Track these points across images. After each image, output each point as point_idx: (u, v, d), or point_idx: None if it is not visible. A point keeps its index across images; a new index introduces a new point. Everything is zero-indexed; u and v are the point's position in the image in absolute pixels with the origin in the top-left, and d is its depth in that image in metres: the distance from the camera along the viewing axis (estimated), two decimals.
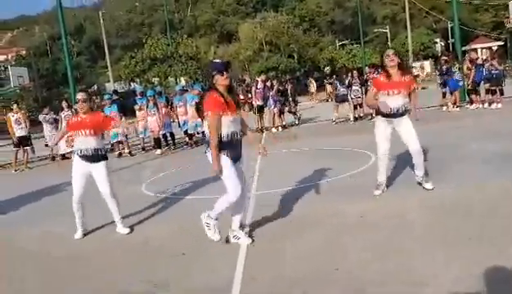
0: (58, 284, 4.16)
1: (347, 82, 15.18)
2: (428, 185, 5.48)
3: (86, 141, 5.27)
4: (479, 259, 3.48)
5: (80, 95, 5.41)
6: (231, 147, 4.21)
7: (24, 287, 4.20)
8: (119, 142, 13.35)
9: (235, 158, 4.28)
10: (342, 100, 15.00)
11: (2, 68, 45.95)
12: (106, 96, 14.09)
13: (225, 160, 4.19)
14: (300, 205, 5.58)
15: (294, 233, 4.66)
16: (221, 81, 4.10)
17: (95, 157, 5.30)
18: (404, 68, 5.36)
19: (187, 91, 13.75)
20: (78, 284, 4.09)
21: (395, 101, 5.22)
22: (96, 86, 44.69)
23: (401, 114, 5.31)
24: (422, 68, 35.87)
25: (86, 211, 5.52)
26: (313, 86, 33.01)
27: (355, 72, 15.82)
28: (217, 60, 4.33)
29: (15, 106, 13.93)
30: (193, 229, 5.24)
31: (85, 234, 5.48)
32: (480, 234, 4.00)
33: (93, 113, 5.53)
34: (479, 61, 14.87)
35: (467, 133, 9.55)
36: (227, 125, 4.15)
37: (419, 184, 5.57)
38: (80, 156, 5.32)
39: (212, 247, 4.54)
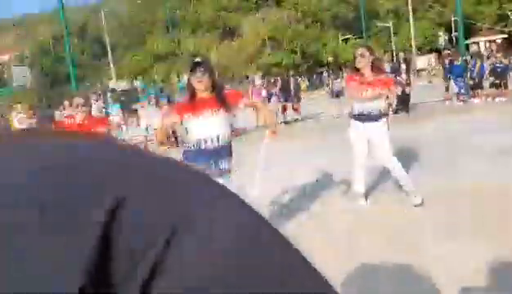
0: None
1: None
2: (414, 200, 4.94)
3: None
4: (483, 254, 3.44)
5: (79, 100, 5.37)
6: (201, 157, 3.62)
7: None
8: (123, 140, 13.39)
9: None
10: (337, 94, 14.99)
11: (6, 67, 46.19)
12: (109, 95, 14.16)
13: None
14: (301, 202, 5.55)
15: (294, 230, 4.61)
16: (192, 80, 3.66)
17: None
18: (378, 67, 4.98)
19: None
20: None
21: (366, 104, 4.88)
22: (98, 85, 44.82)
23: (377, 118, 4.91)
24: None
25: None
26: (304, 84, 33.05)
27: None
28: (195, 59, 3.82)
29: (19, 106, 13.97)
30: None
31: None
32: (482, 229, 3.95)
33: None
34: (483, 54, 14.76)
35: (469, 127, 9.46)
36: (195, 130, 3.66)
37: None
38: None
39: None
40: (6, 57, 56.66)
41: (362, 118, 4.93)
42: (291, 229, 4.66)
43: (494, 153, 6.71)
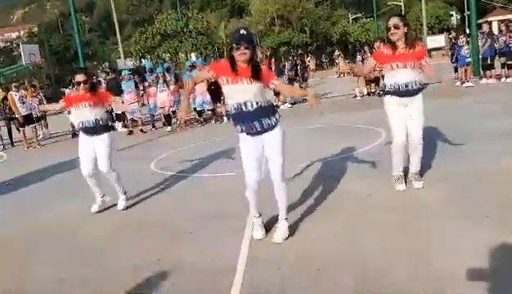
0: (70, 261, 4.22)
1: (360, 57, 14.97)
2: (418, 184, 4.87)
3: (86, 113, 5.33)
4: (494, 237, 3.43)
5: (80, 77, 5.28)
6: (241, 120, 3.84)
7: (38, 267, 4.26)
8: (133, 120, 13.36)
9: (251, 133, 3.88)
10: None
11: (15, 45, 46.13)
12: (124, 72, 14.10)
13: (240, 137, 3.96)
14: (309, 183, 5.55)
15: (300, 213, 4.63)
16: (233, 51, 3.73)
17: (97, 129, 5.37)
18: (411, 38, 4.57)
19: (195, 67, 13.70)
20: (85, 261, 4.14)
21: (402, 76, 4.55)
22: (107, 63, 44.68)
23: (413, 93, 4.61)
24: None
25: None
26: (312, 63, 32.73)
27: (366, 47, 15.56)
28: (238, 30, 3.79)
29: (26, 83, 14.05)
30: (201, 206, 5.27)
31: (100, 211, 5.59)
32: (491, 212, 3.94)
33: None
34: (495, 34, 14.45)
35: (478, 109, 9.36)
36: (231, 95, 3.81)
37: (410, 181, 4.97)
38: (82, 128, 5.43)
39: (219, 225, 4.55)
40: (14, 35, 56.59)
41: (400, 92, 4.62)
42: (298, 209, 4.69)
43: (503, 135, 6.64)
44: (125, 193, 5.66)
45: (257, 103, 3.77)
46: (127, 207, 5.59)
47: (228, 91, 3.82)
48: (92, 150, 5.39)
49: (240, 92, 3.74)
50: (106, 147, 5.38)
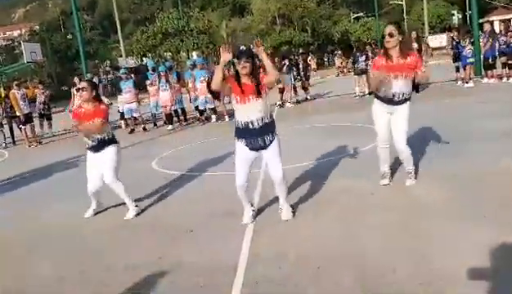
0: (70, 260, 4.22)
1: (363, 57, 14.91)
2: (409, 182, 5.01)
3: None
4: (494, 237, 3.43)
5: (82, 84, 5.33)
6: (246, 135, 4.20)
7: (38, 267, 4.27)
8: (134, 118, 13.34)
9: (253, 148, 4.23)
10: (362, 72, 14.54)
11: (16, 43, 46.14)
12: (122, 71, 14.05)
13: (237, 146, 4.29)
14: (310, 182, 5.55)
15: (302, 210, 4.63)
16: (237, 66, 4.16)
17: (100, 145, 5.25)
18: (405, 48, 4.70)
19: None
20: (85, 260, 4.14)
21: (394, 87, 4.66)
22: (108, 62, 44.67)
23: (397, 103, 4.75)
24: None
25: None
26: (313, 62, 32.76)
27: (368, 47, 15.52)
28: (239, 46, 4.38)
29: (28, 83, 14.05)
30: (202, 205, 5.27)
31: (96, 213, 5.52)
32: (489, 212, 3.94)
33: (96, 102, 5.27)
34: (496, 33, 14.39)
35: (482, 108, 9.34)
36: (240, 113, 4.20)
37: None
38: (87, 148, 5.33)
39: (220, 224, 4.56)
40: (16, 33, 56.66)
41: (386, 100, 4.78)
42: (298, 208, 4.69)
43: (503, 135, 6.63)
44: (135, 203, 5.39)
45: (262, 119, 4.16)
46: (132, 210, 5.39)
47: (237, 109, 4.21)
48: (100, 166, 5.26)
49: (248, 111, 4.14)
50: (111, 159, 5.22)
